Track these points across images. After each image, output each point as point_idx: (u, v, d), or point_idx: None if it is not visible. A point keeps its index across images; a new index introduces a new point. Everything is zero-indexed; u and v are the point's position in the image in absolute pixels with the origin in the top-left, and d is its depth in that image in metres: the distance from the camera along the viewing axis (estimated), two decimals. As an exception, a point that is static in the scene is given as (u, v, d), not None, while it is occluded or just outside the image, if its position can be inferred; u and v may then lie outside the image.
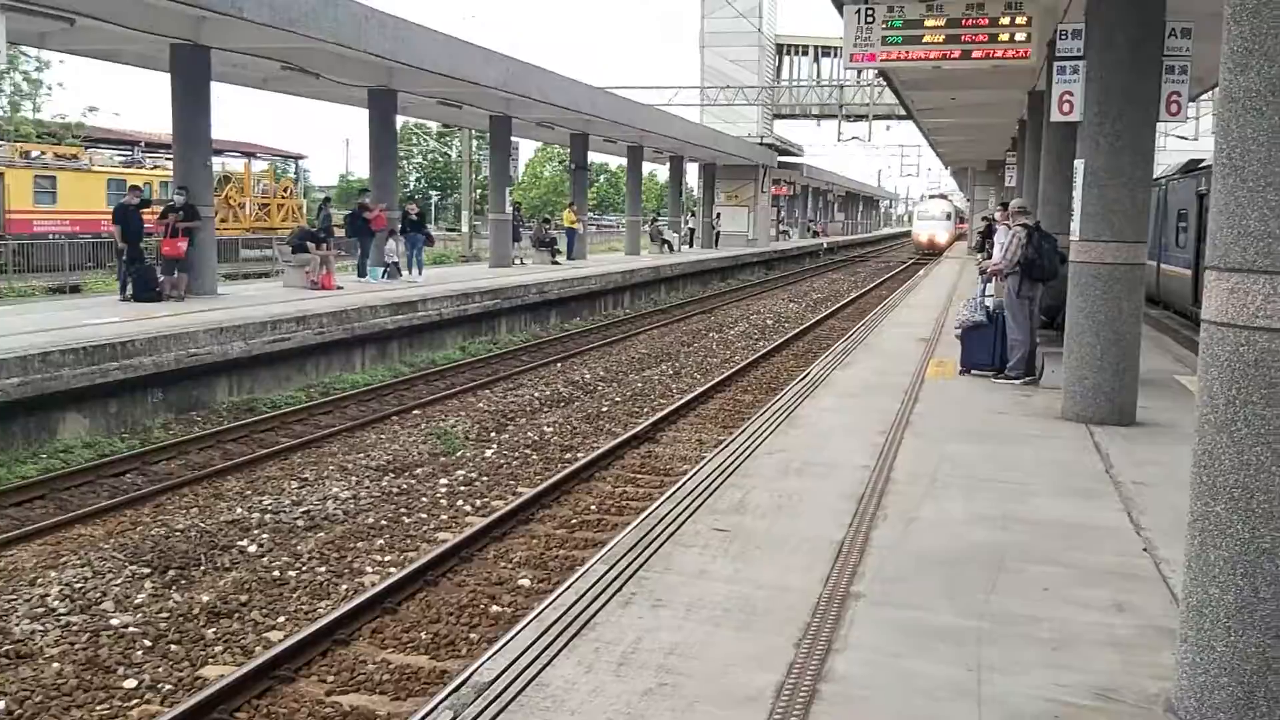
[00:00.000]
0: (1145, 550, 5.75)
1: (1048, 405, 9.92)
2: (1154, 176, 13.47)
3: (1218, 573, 3.56)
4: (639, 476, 10.60)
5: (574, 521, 9.11)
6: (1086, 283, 9.25)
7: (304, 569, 7.95)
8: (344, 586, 7.65)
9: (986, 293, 12.31)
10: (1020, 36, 9.70)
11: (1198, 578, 3.66)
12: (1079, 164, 9.25)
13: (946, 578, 5.28)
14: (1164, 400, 10.07)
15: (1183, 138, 36.13)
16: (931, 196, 69.67)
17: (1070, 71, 9.31)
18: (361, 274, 21.95)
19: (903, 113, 31.32)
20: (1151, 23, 8.86)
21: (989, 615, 4.78)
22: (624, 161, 42.35)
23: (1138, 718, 3.82)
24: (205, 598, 7.28)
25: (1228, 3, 3.52)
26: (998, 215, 17.36)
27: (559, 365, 17.99)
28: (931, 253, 55.24)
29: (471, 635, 6.74)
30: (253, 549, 8.34)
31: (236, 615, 7.06)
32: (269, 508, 9.35)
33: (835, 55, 50.38)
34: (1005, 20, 9.72)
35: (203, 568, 7.92)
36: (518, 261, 29.50)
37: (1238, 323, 3.50)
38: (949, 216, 61.03)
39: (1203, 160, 20.62)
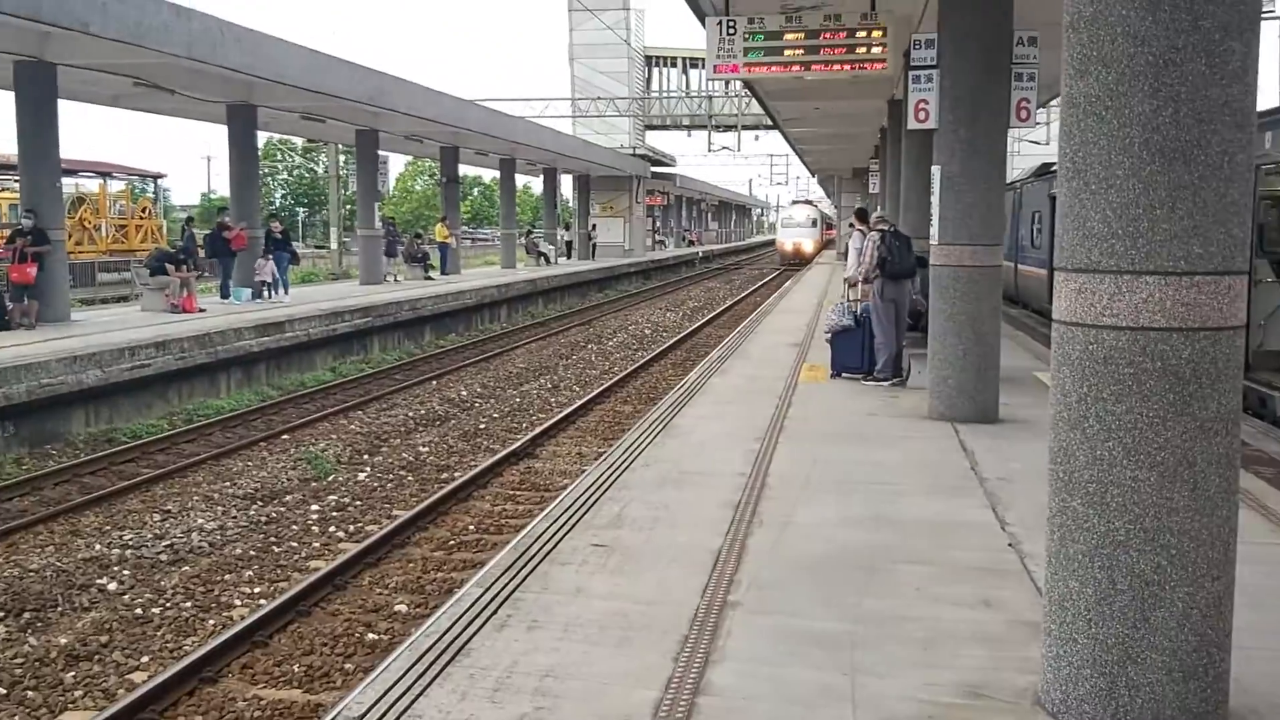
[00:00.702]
0: (1010, 545, 5.90)
1: (915, 406, 10.14)
2: (1008, 180, 13.96)
3: (1077, 567, 3.65)
4: (518, 494, 10.47)
5: (452, 543, 8.94)
6: (947, 285, 9.50)
7: (168, 605, 7.60)
8: (211, 621, 7.35)
9: (852, 297, 12.57)
10: (877, 48, 9.92)
11: (1058, 572, 3.75)
12: (936, 170, 9.50)
13: (821, 582, 5.31)
14: (1024, 397, 10.40)
15: (1034, 142, 37.70)
16: (796, 203, 65.33)
17: (925, 80, 9.56)
18: (224, 295, 21.24)
19: (770, 123, 31.91)
20: (1000, 32, 9.17)
21: (862, 618, 4.82)
22: (497, 174, 42.01)
23: (1007, 713, 3.89)
24: (63, 640, 6.90)
25: (1067, 11, 3.63)
26: (854, 223, 17.75)
27: (434, 383, 17.70)
28: (797, 262, 51.58)
29: (347, 665, 6.53)
30: (113, 587, 7.95)
31: (97, 657, 6.72)
32: (130, 543, 8.93)
33: (703, 67, 50.99)
34: (862, 32, 9.93)
35: (60, 609, 7.51)
36: (390, 278, 28.98)
37: (1086, 322, 3.60)
38: (815, 223, 56.49)
39: (1054, 164, 21.50)
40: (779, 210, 75.51)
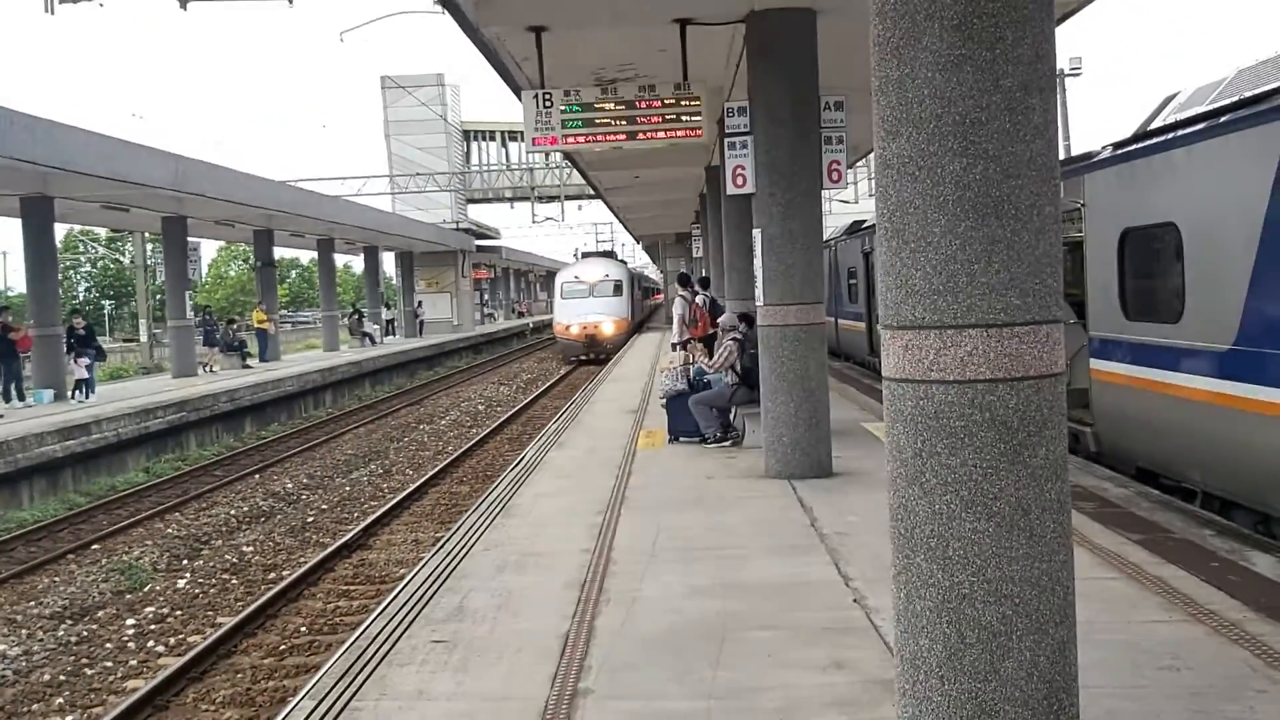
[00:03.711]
0: (856, 602, 5.90)
1: (752, 465, 10.20)
2: (824, 239, 14.40)
3: (925, 623, 3.62)
4: (352, 588, 9.99)
5: (283, 648, 8.42)
6: (775, 344, 9.63)
7: (-36, 748, 6.88)
8: (15, 762, 6.67)
9: (686, 361, 12.64)
10: (692, 116, 10.08)
11: (908, 630, 3.71)
12: (757, 233, 9.68)
13: (673, 657, 5.17)
14: (855, 449, 10.61)
15: (844, 201, 39.31)
16: (587, 256, 45.05)
17: (740, 147, 9.76)
18: (7, 398, 19.83)
19: (592, 192, 32.27)
20: (807, 98, 9.45)
21: (716, 693, 4.70)
22: (315, 255, 41.02)
23: (870, 780, 3.81)
24: None
25: (875, 75, 3.68)
26: (677, 288, 18.02)
27: (257, 477, 16.89)
28: (590, 356, 34.56)
29: (168, 796, 6.00)
30: (-101, 732, 7.15)
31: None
32: (-82, 679, 8.08)
33: (522, 139, 51.38)
34: (677, 102, 10.08)
35: None
36: (206, 368, 27.73)
37: (915, 378, 3.61)
38: (618, 289, 36.37)
39: (865, 221, 22.39)
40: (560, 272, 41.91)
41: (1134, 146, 9.05)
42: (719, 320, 12.60)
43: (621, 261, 43.51)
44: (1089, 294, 9.90)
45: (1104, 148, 9.75)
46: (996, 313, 3.48)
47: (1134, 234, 8.98)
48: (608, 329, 34.85)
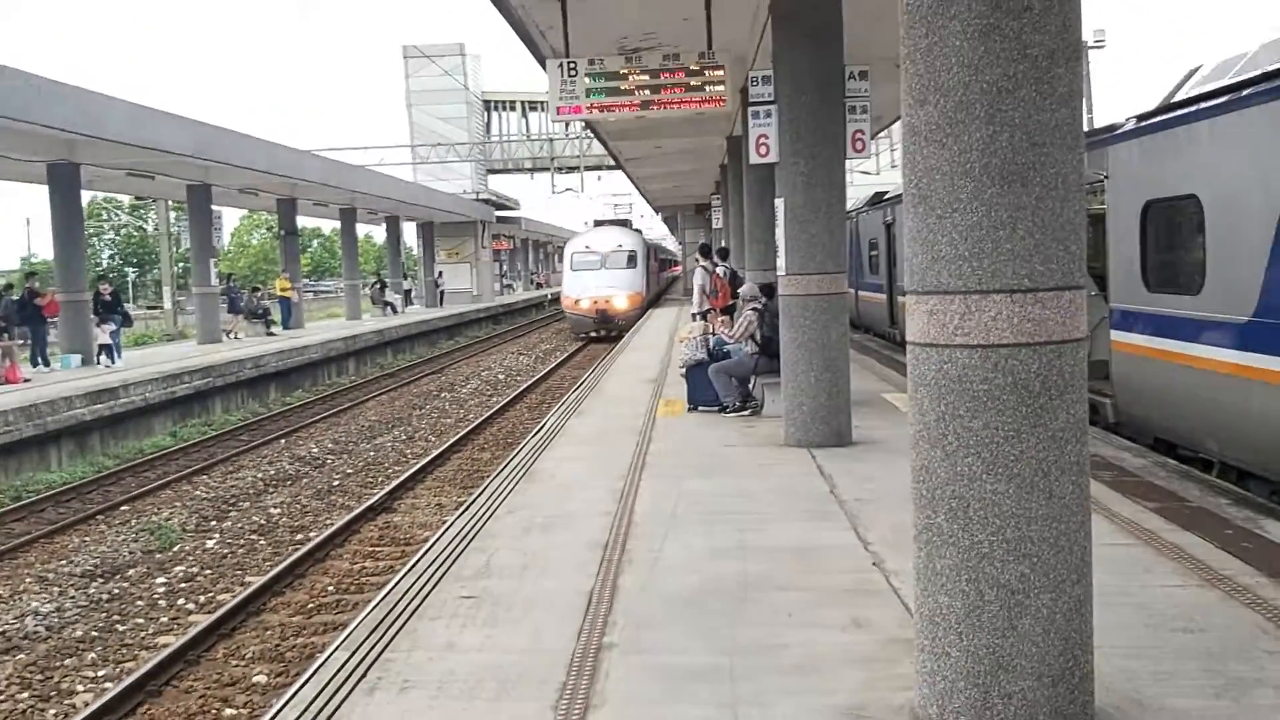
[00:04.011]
0: (875, 565, 6.00)
1: (771, 433, 10.29)
2: (846, 210, 14.41)
3: (945, 581, 3.72)
4: (378, 550, 10.16)
5: (311, 607, 8.60)
6: (796, 314, 9.70)
7: (3, 698, 7.10)
8: (52, 712, 6.89)
9: (700, 331, 12.73)
10: (716, 86, 10.11)
11: (928, 588, 3.81)
12: (779, 203, 9.72)
13: (694, 615, 5.29)
14: (875, 419, 10.68)
15: (866, 172, 39.12)
16: (600, 224, 41.47)
17: (764, 116, 9.78)
18: (35, 363, 20.11)
19: (612, 163, 32.23)
20: (832, 67, 9.47)
21: (738, 649, 4.81)
22: (338, 224, 41.18)
23: (888, 732, 3.92)
24: (-120, 748, 6.33)
25: (903, 43, 3.75)
26: (698, 258, 18.06)
27: (283, 441, 17.10)
28: (603, 334, 32.37)
29: (204, 746, 6.18)
30: (-62, 684, 7.35)
31: (-79, 766, 6.18)
32: (-44, 634, 8.29)
33: (543, 109, 51.33)
34: (700, 70, 10.11)
35: (-125, 713, 6.90)
36: (230, 335, 27.98)
37: (939, 342, 3.69)
38: (632, 259, 33.90)
39: (887, 192, 22.34)
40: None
41: (1157, 119, 9.05)
42: (739, 290, 12.65)
43: (637, 230, 40.39)
44: (1110, 265, 9.92)
45: (1127, 120, 9.75)
46: (1020, 278, 3.55)
47: (1156, 206, 8.99)
48: (621, 303, 32.32)
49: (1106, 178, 9.84)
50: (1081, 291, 3.65)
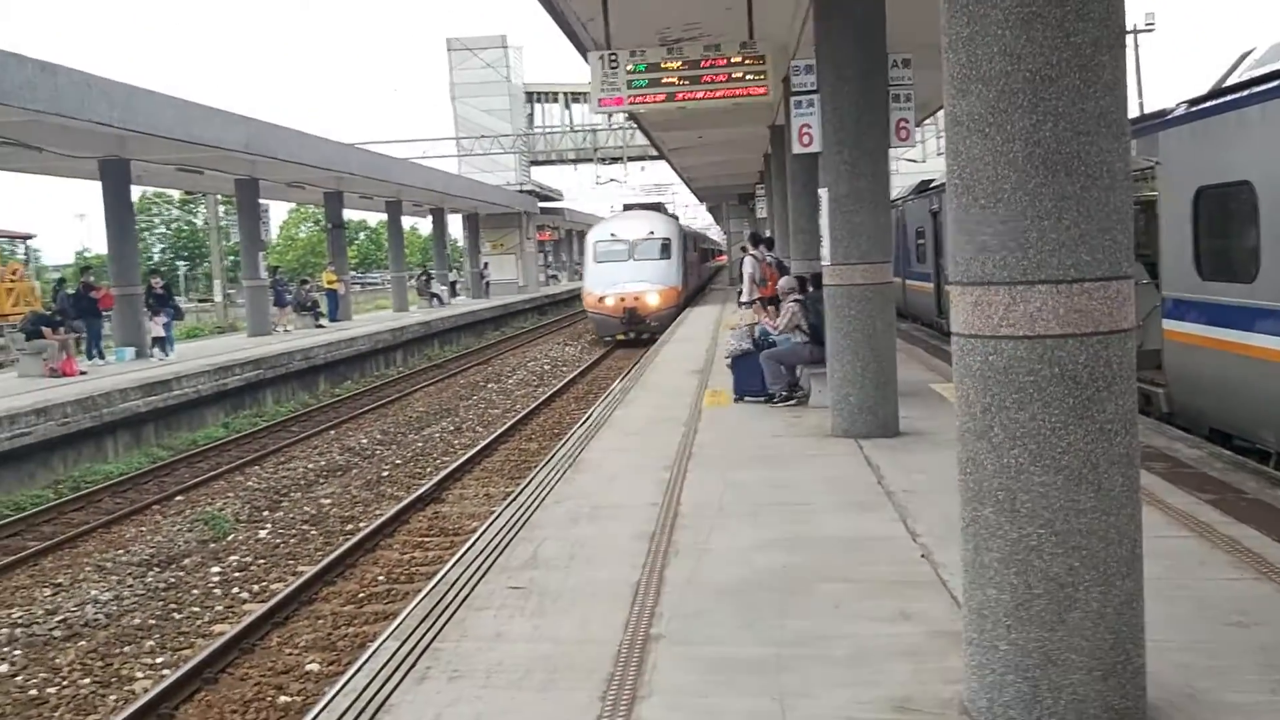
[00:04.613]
0: (923, 557, 5.98)
1: (818, 424, 10.26)
2: (891, 198, 14.31)
3: (993, 574, 3.71)
4: (427, 540, 10.28)
5: (362, 596, 8.72)
6: (842, 304, 9.65)
7: (65, 684, 7.28)
8: (113, 698, 7.06)
9: (748, 321, 12.71)
10: (757, 75, 10.08)
11: (975, 580, 3.80)
12: (823, 192, 9.68)
13: (742, 607, 5.31)
14: (922, 409, 10.61)
15: (912, 160, 38.82)
16: (630, 208, 36.51)
17: (806, 105, 9.75)
18: (90, 357, 20.52)
19: (655, 153, 32.20)
20: (875, 55, 9.40)
21: (785, 640, 4.83)
22: (384, 217, 41.53)
23: (935, 724, 3.92)
24: (-51, 732, 6.53)
25: (945, 33, 3.72)
26: (747, 247, 18.03)
27: (332, 432, 17.33)
28: (634, 334, 27.97)
29: (259, 733, 6.30)
30: (4, 669, 7.58)
31: (-11, 747, 6.37)
32: (19, 620, 8.52)
33: (585, 101, 51.42)
34: (741, 60, 10.09)
35: (-56, 698, 7.11)
36: (279, 328, 28.36)
37: (984, 333, 3.67)
38: (666, 249, 29.39)
39: (933, 180, 22.14)
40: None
41: (1208, 104, 8.90)
42: (779, 285, 12.62)
43: (672, 216, 36.13)
44: (1162, 254, 9.77)
45: (1177, 105, 9.59)
46: (1066, 269, 3.53)
47: (1208, 192, 8.84)
48: (653, 300, 27.71)
49: (1157, 164, 9.69)
50: (1129, 281, 3.61)
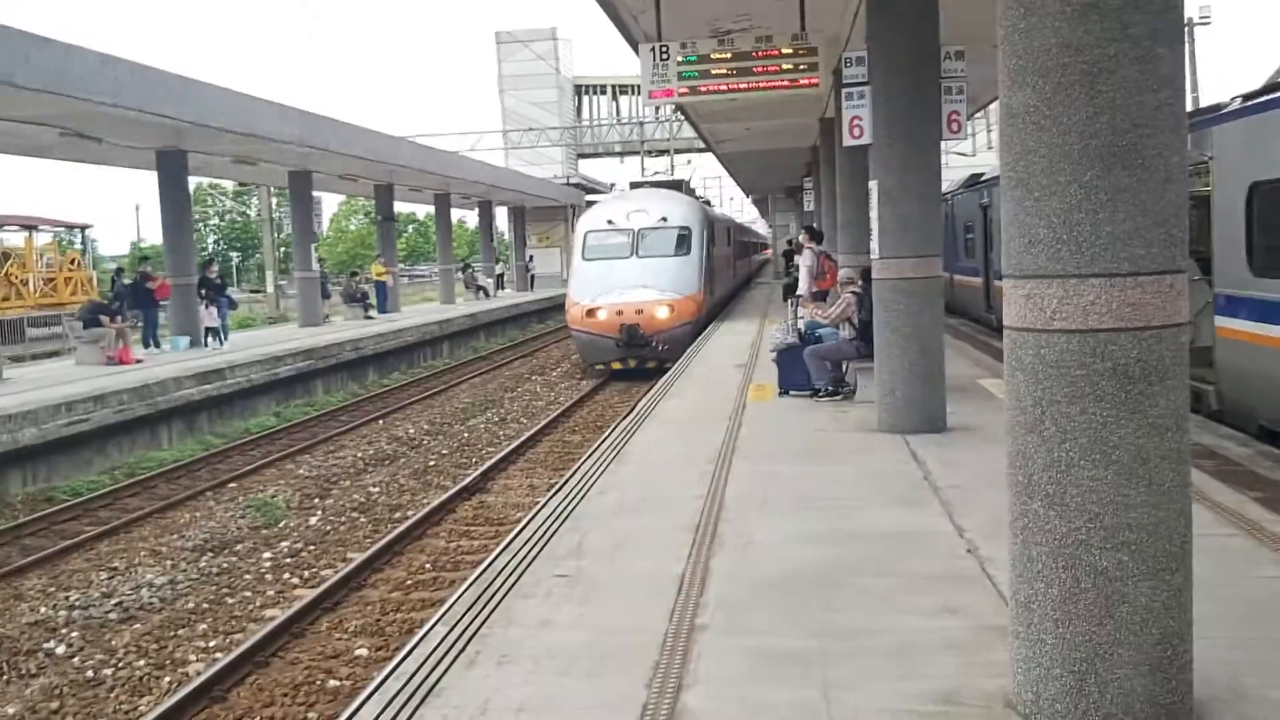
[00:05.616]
0: (969, 552, 5.96)
1: (864, 419, 10.23)
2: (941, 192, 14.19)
3: (1041, 568, 3.70)
4: (473, 529, 10.38)
5: (409, 583, 8.83)
6: (890, 298, 9.61)
7: (121, 665, 7.42)
8: (167, 679, 7.18)
9: (798, 315, 12.67)
10: (808, 66, 10.06)
11: (1023, 575, 3.79)
12: (873, 185, 9.63)
13: (786, 599, 5.32)
14: (970, 405, 10.54)
15: (962, 154, 38.44)
16: (637, 186, 28.77)
17: (858, 97, 9.70)
18: (146, 345, 20.89)
19: (702, 145, 32.16)
20: (928, 47, 9.34)
21: (830, 633, 4.84)
22: (432, 209, 41.86)
23: (980, 718, 3.91)
24: (11, 709, 6.71)
25: (1001, 25, 3.71)
26: (802, 239, 17.92)
27: (380, 422, 17.52)
28: (634, 362, 20.32)
29: (310, 715, 6.42)
30: (61, 650, 7.74)
31: (47, 725, 6.52)
32: (77, 603, 8.70)
33: (633, 93, 51.48)
34: (792, 52, 10.07)
35: (6, 677, 7.30)
36: (329, 319, 28.69)
37: (1036, 327, 3.66)
38: (684, 241, 21.43)
39: (983, 174, 21.91)
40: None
41: (1264, 98, 8.75)
42: (839, 274, 12.57)
43: (693, 196, 28.21)
44: (1215, 249, 9.63)
45: (1232, 100, 9.43)
46: (1120, 262, 3.51)
47: (1263, 188, 8.70)
48: (661, 314, 19.85)
49: (1211, 159, 9.54)
50: (1182, 276, 3.58)
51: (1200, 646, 3.84)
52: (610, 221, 21.79)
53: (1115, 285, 3.51)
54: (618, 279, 20.34)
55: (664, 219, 21.53)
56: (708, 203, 32.24)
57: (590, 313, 20.13)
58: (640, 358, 20.12)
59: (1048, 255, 3.60)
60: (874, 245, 9.73)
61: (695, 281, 21.10)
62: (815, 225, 20.18)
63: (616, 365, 20.51)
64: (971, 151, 38.85)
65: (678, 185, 28.29)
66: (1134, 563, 3.56)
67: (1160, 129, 3.48)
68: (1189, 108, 11.80)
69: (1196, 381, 10.68)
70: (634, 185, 29.62)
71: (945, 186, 22.21)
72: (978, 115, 29.54)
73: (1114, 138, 3.48)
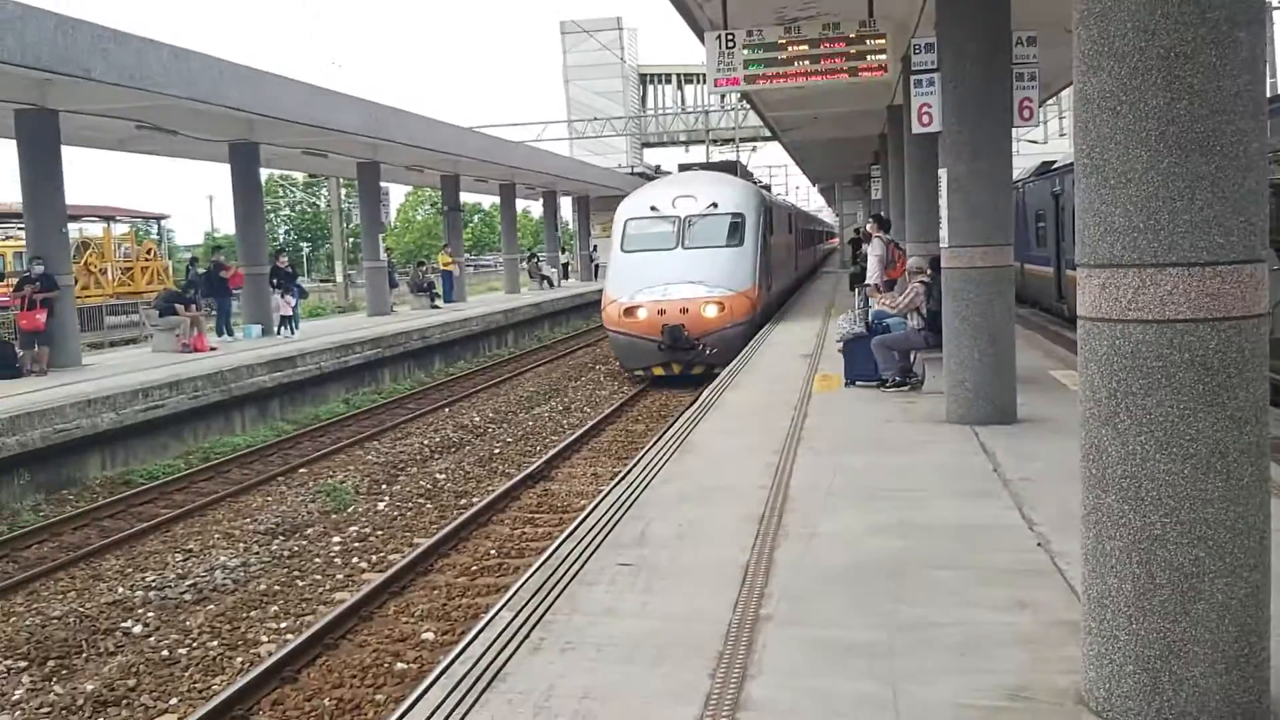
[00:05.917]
0: (1040, 545, 5.87)
1: (932, 410, 10.11)
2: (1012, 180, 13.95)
3: (1115, 563, 3.63)
4: (537, 516, 10.46)
5: (474, 569, 8.93)
6: (959, 287, 9.48)
7: (195, 645, 7.60)
8: (239, 659, 7.34)
9: (867, 304, 12.55)
10: (876, 54, 9.96)
11: (1096, 570, 3.73)
12: (943, 173, 9.50)
13: (852, 590, 5.29)
14: (1041, 396, 10.37)
15: (1033, 141, 37.73)
16: (686, 169, 27.20)
17: (927, 84, 9.57)
18: (219, 333, 21.34)
19: (768, 134, 31.96)
20: (999, 33, 9.18)
21: (897, 625, 4.80)
22: (497, 200, 42.16)
23: (1052, 714, 3.86)
24: (90, 687, 6.89)
25: (1076, 8, 3.63)
26: (869, 227, 17.73)
27: (447, 410, 17.72)
28: (678, 369, 18.23)
29: (377, 697, 6.51)
30: (138, 629, 7.96)
31: (125, 702, 6.71)
32: (153, 584, 8.94)
33: (698, 82, 51.33)
34: (861, 39, 9.97)
35: (85, 655, 7.51)
36: (396, 308, 29.06)
37: (1112, 317, 3.59)
38: (737, 231, 19.08)
39: (1055, 162, 21.50)
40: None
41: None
42: (909, 263, 12.42)
43: (752, 182, 25.95)
44: (1299, 238, 9.34)
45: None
46: (1198, 251, 3.42)
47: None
48: (710, 312, 17.90)
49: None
50: (1263, 266, 3.49)
51: (1277, 644, 3.74)
52: (654, 208, 19.69)
53: (1194, 275, 3.43)
54: (661, 273, 18.32)
55: (714, 205, 19.30)
56: (766, 188, 29.96)
57: (629, 311, 18.13)
58: (685, 362, 18.15)
59: (1124, 244, 3.53)
60: (943, 234, 9.60)
61: (749, 276, 18.94)
62: (883, 214, 19.93)
63: (658, 371, 18.57)
64: (1043, 139, 38.11)
65: (731, 167, 25.72)
66: (1211, 559, 3.48)
67: (1240, 115, 3.39)
68: (1270, 94, 11.50)
69: (1273, 374, 10.40)
70: (682, 168, 27.45)
71: (1016, 174, 21.83)
72: (1049, 102, 28.95)
73: (1192, 123, 3.39)
